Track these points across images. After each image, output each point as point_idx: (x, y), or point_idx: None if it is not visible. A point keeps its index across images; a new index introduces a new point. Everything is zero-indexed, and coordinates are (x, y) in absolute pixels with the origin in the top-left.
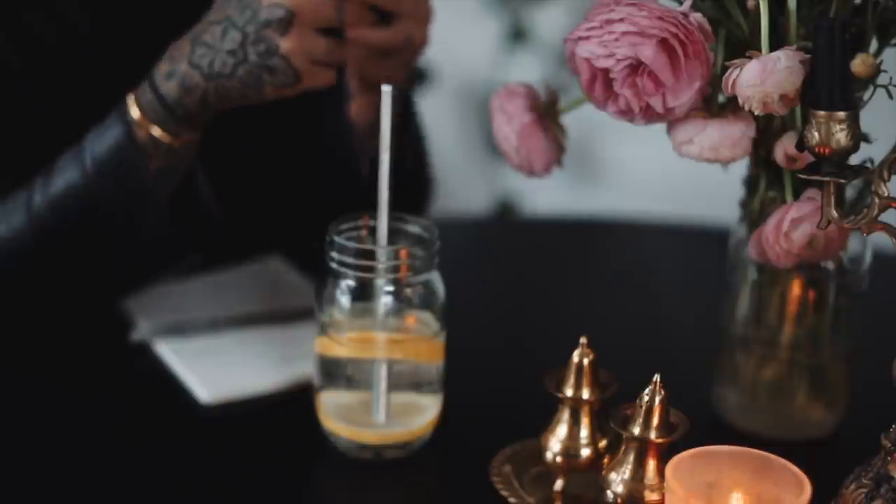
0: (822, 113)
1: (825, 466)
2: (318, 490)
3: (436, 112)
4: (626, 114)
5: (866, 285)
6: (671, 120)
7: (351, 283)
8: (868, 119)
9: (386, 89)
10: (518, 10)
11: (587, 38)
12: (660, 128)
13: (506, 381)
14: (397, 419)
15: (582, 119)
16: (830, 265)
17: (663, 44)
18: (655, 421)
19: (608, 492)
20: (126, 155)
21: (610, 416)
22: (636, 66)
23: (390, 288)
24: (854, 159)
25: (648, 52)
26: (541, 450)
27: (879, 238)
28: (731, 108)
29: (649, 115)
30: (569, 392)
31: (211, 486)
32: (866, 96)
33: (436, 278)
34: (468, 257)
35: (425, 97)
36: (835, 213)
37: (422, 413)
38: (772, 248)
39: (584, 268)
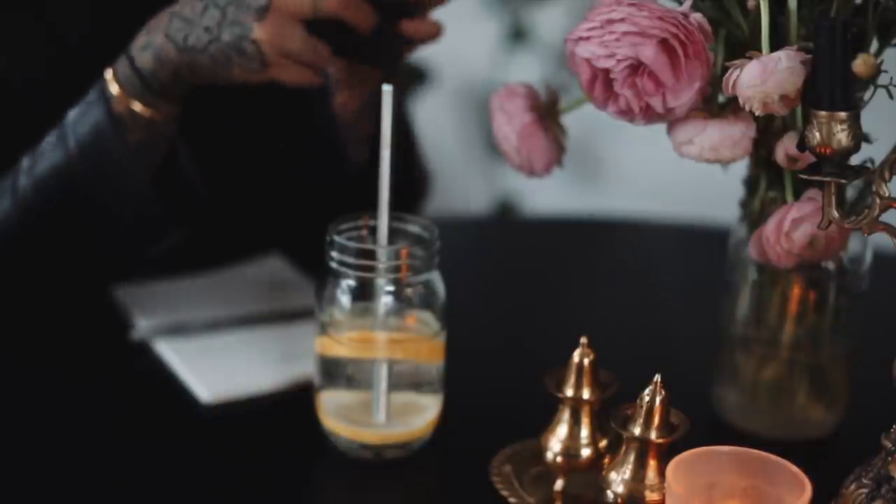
0: (823, 113)
1: (825, 466)
2: (318, 490)
3: (436, 112)
4: (627, 114)
5: (866, 285)
6: (671, 120)
7: (351, 282)
8: (868, 119)
9: (386, 88)
10: (518, 10)
11: (587, 38)
12: (660, 128)
13: (506, 381)
14: (397, 419)
15: (582, 119)
16: (831, 265)
17: (664, 44)
18: (656, 421)
19: (608, 492)
20: (107, 133)
21: (610, 416)
22: (636, 67)
23: (391, 288)
24: (855, 159)
25: (649, 53)
26: (541, 450)
27: (880, 238)
28: (732, 108)
29: (649, 115)
30: (569, 392)
31: (211, 485)
32: (867, 96)
33: (436, 278)
34: (468, 257)
35: (425, 97)
36: (836, 214)
37: (422, 413)
38: (772, 249)
39: (585, 268)
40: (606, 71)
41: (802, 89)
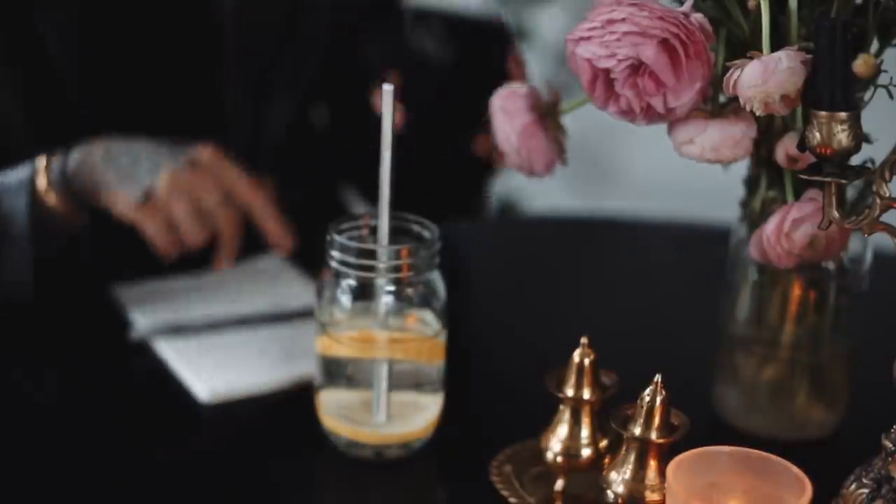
0: (823, 113)
1: (825, 466)
2: (318, 490)
3: None
4: (627, 114)
5: (867, 285)
6: (672, 120)
7: (352, 282)
8: (869, 119)
9: (387, 88)
10: (518, 10)
11: (588, 38)
12: (660, 128)
13: (506, 381)
14: (397, 419)
15: (581, 119)
16: (831, 265)
17: (664, 44)
18: (656, 421)
19: (609, 492)
20: (19, 199)
21: (611, 416)
22: (637, 67)
23: (391, 287)
24: (855, 159)
25: (650, 53)
26: (541, 450)
27: (880, 238)
28: (733, 108)
29: (650, 115)
30: (570, 392)
31: (211, 485)
32: (867, 96)
33: (436, 278)
34: (468, 257)
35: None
36: (836, 214)
37: (422, 413)
38: (773, 249)
39: (585, 267)
40: (607, 71)
41: (803, 89)
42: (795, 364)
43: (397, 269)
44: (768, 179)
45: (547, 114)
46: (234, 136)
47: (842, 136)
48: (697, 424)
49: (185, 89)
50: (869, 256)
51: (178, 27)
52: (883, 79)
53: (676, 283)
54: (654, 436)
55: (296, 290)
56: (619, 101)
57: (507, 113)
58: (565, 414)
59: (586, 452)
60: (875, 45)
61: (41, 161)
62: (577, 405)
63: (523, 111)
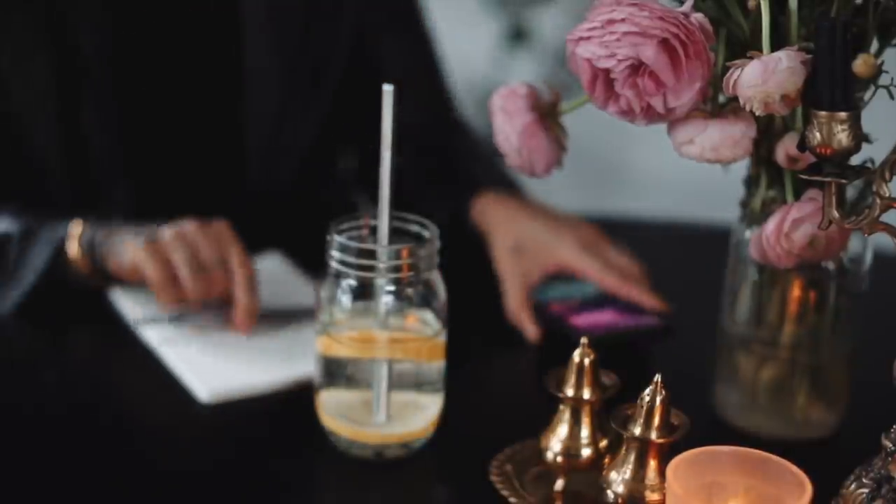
0: (823, 113)
1: (825, 466)
2: (318, 490)
3: None
4: (627, 114)
5: (866, 285)
6: (672, 120)
7: (352, 282)
8: (869, 119)
9: (387, 89)
10: (518, 11)
11: (588, 38)
12: (660, 128)
13: (506, 381)
14: (398, 419)
15: (582, 119)
16: (831, 265)
17: (664, 44)
18: (656, 421)
19: (609, 492)
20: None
21: (611, 416)
22: (637, 67)
23: (391, 287)
24: (855, 159)
25: (649, 53)
26: (541, 450)
27: (880, 238)
28: (732, 108)
29: (650, 115)
30: (570, 392)
31: (211, 485)
32: (867, 96)
33: (436, 278)
34: (468, 257)
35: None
36: (836, 214)
37: (422, 413)
38: (772, 249)
39: None
40: (607, 71)
41: (803, 89)
42: (795, 364)
43: (397, 269)
44: (768, 179)
45: (547, 114)
46: (253, 138)
47: (842, 136)
48: (697, 424)
49: (209, 95)
50: (869, 256)
51: (201, 30)
52: (883, 79)
53: (676, 283)
54: (654, 436)
55: (296, 291)
56: (619, 101)
57: (507, 113)
58: (565, 414)
59: (586, 452)
60: (875, 45)
61: (76, 227)
62: (577, 405)
63: (523, 111)
